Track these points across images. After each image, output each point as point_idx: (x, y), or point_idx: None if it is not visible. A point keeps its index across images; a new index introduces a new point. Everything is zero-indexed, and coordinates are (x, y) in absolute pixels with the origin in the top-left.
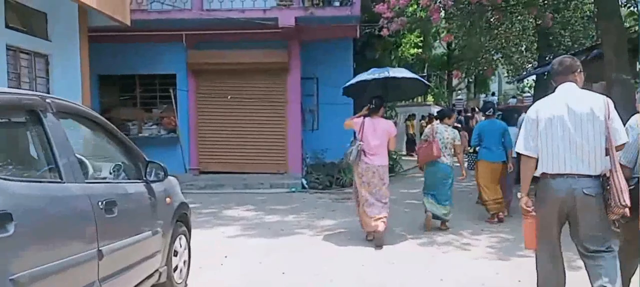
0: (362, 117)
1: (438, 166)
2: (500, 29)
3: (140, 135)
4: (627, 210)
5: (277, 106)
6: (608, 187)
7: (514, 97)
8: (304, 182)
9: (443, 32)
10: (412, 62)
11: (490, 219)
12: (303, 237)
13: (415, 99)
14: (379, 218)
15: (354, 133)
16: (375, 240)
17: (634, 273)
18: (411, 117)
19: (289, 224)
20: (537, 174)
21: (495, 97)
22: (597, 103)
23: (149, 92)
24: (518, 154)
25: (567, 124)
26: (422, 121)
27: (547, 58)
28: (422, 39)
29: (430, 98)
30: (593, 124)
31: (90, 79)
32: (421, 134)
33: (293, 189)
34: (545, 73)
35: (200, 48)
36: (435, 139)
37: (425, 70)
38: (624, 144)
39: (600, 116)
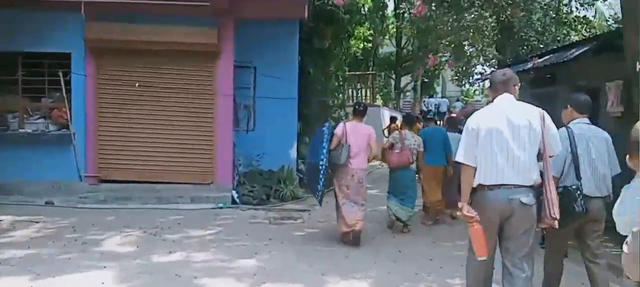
0: (343, 123)
1: (408, 171)
2: (460, 22)
3: (21, 131)
4: (555, 223)
5: (203, 99)
6: (541, 198)
7: (458, 100)
8: (235, 195)
9: (392, 27)
10: (361, 58)
11: (426, 222)
12: None
13: (363, 100)
14: (357, 220)
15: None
16: (353, 239)
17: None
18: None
19: (200, 265)
20: (474, 184)
21: (446, 100)
22: (533, 115)
23: (35, 75)
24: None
25: (505, 135)
26: (393, 124)
27: (508, 60)
28: (371, 33)
29: (379, 100)
30: (530, 135)
31: None
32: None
33: (220, 205)
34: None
35: (102, 20)
36: (407, 146)
37: (372, 68)
38: (556, 155)
39: (536, 128)
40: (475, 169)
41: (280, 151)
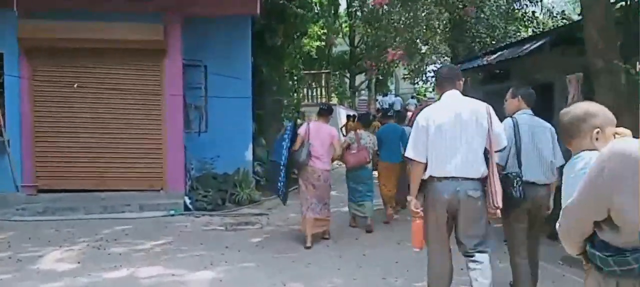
0: (307, 123)
1: (365, 171)
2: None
3: None
4: (498, 212)
5: (150, 100)
6: (486, 189)
7: (412, 97)
8: (188, 201)
9: (346, 26)
10: (315, 57)
11: (389, 219)
12: None
13: (319, 100)
14: (323, 220)
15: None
16: (322, 235)
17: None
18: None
19: (148, 281)
20: (425, 177)
21: (399, 98)
22: (480, 110)
23: None
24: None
25: (454, 130)
26: (350, 122)
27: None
28: (325, 31)
29: (334, 98)
30: (477, 130)
31: None
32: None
33: (172, 212)
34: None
35: (37, 17)
36: (364, 146)
37: (327, 67)
38: (503, 148)
39: (483, 123)
40: (424, 165)
41: (235, 152)
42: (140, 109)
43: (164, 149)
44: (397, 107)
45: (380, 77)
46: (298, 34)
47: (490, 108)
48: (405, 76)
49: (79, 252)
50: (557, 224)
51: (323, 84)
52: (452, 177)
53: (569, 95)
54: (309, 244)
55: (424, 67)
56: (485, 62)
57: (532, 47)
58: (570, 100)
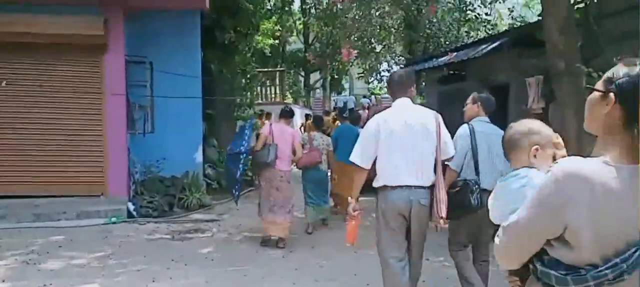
0: (269, 124)
1: (318, 171)
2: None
3: None
4: (441, 221)
5: (89, 99)
6: (432, 198)
7: (365, 97)
8: (132, 207)
9: (300, 23)
10: (269, 54)
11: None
12: None
13: (273, 98)
14: (285, 223)
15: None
16: (279, 244)
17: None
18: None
19: None
20: (378, 185)
21: (352, 97)
22: (429, 119)
23: None
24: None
25: (404, 139)
26: (309, 121)
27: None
28: (279, 29)
29: (289, 97)
30: (427, 138)
31: None
32: None
33: (113, 220)
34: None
35: None
36: (316, 147)
37: (281, 65)
38: (451, 157)
39: (432, 131)
40: (367, 171)
41: (184, 154)
42: (79, 108)
43: (105, 151)
44: (351, 105)
45: (335, 76)
46: (250, 30)
47: (439, 117)
48: (360, 75)
49: (6, 268)
50: (496, 241)
51: (277, 83)
52: (406, 186)
53: (529, 98)
54: (269, 234)
55: (378, 66)
56: (440, 63)
57: (489, 48)
58: (530, 103)
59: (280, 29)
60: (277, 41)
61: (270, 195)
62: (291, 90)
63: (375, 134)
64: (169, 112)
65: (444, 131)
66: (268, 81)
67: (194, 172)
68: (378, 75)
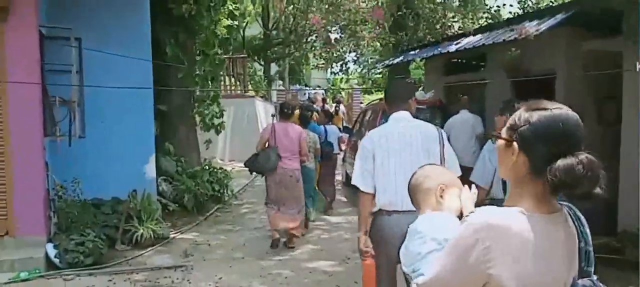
0: (271, 124)
1: (304, 169)
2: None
3: None
4: None
5: None
6: None
7: (319, 87)
8: (53, 253)
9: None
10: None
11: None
12: None
13: (232, 90)
14: (296, 224)
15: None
16: (287, 241)
17: None
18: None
19: None
20: (374, 209)
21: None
22: (431, 135)
23: None
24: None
25: (403, 157)
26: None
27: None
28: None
29: (250, 89)
30: (429, 156)
31: None
32: None
33: (23, 275)
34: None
35: None
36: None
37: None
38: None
39: (435, 149)
40: (373, 195)
41: (130, 167)
42: None
43: (8, 167)
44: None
45: (296, 67)
46: (215, 1)
47: (444, 133)
48: (320, 66)
49: None
50: None
51: (237, 72)
52: (405, 211)
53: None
54: (277, 236)
55: (345, 55)
56: (460, 46)
57: (543, 27)
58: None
59: (238, 7)
60: (236, 23)
61: (279, 195)
62: (252, 81)
63: (371, 152)
64: (106, 109)
65: (448, 148)
66: (223, 70)
67: (144, 191)
68: (344, 66)
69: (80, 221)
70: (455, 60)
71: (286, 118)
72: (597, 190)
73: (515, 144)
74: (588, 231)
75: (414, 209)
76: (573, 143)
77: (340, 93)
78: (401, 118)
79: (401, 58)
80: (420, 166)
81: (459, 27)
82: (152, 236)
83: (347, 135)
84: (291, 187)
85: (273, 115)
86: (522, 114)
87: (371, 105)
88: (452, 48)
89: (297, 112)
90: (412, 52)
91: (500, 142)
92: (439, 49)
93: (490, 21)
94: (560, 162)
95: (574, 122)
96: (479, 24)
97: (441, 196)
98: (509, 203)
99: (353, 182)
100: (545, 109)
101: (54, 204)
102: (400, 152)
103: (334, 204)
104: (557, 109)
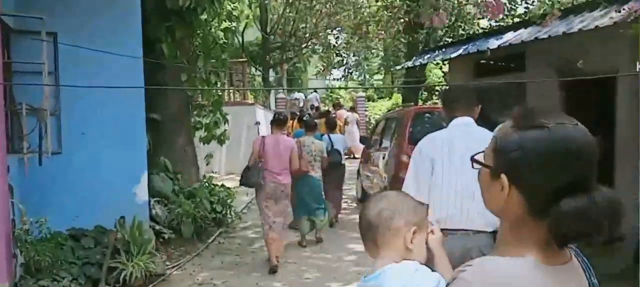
0: (261, 136)
1: (308, 179)
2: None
3: None
4: None
5: None
6: None
7: (315, 90)
8: None
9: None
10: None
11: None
12: None
13: (232, 97)
14: (280, 241)
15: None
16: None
17: None
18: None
19: None
20: None
21: (317, 94)
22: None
23: None
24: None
25: (464, 169)
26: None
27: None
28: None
29: (250, 96)
30: None
31: None
32: None
33: None
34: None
35: None
36: (305, 154)
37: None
38: None
39: None
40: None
41: (117, 189)
42: None
43: None
44: (315, 103)
45: (294, 73)
46: None
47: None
48: (320, 72)
49: None
50: None
51: (238, 78)
52: (462, 231)
53: None
54: (275, 263)
55: (344, 60)
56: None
57: (589, 23)
58: None
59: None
60: (233, 25)
61: (268, 210)
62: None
63: (430, 158)
64: (88, 118)
65: None
66: (223, 75)
67: (134, 218)
68: (346, 70)
69: (55, 258)
70: (484, 60)
71: (278, 127)
72: (620, 234)
73: (503, 177)
74: (596, 281)
75: (471, 228)
76: (584, 174)
77: (339, 99)
78: (464, 124)
79: (428, 57)
80: (381, 192)
81: (489, 24)
82: (143, 274)
83: (363, 145)
84: (281, 202)
85: (256, 124)
86: (510, 133)
87: (394, 111)
88: (493, 44)
89: (320, 120)
90: (434, 53)
91: (484, 170)
92: (476, 45)
93: (530, 15)
94: (567, 205)
95: (583, 143)
96: (511, 21)
97: (411, 241)
98: (506, 250)
99: (406, 191)
100: (542, 126)
101: (19, 239)
102: (462, 163)
103: (347, 224)
104: (560, 125)
